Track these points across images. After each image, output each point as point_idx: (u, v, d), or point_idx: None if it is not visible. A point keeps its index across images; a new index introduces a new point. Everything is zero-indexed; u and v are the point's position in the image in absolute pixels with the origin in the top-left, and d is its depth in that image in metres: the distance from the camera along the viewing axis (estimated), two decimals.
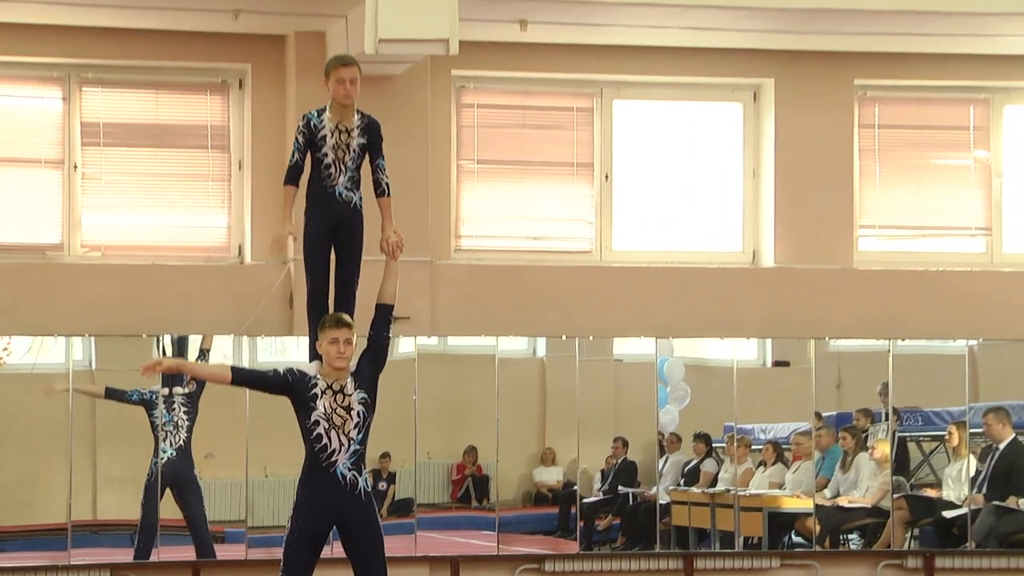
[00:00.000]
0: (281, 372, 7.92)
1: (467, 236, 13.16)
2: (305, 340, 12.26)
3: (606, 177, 13.39)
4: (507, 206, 13.21)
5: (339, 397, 7.89)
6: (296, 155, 8.56)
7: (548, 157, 13.29)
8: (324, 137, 8.52)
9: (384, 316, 8.12)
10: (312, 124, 8.51)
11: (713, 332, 13.14)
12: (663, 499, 13.05)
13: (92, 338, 12.23)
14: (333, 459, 7.87)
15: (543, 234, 13.27)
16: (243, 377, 8.13)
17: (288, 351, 12.47)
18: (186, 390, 12.14)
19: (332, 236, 8.58)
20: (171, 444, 12.13)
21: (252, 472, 12.25)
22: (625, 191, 13.47)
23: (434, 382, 12.70)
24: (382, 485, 12.55)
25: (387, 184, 8.65)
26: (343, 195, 8.54)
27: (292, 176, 8.62)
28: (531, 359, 13.22)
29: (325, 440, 7.88)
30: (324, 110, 8.56)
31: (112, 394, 12.07)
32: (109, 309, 12.19)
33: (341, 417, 7.88)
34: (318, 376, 7.94)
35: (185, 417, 12.09)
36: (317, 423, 7.88)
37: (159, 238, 12.72)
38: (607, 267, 13.27)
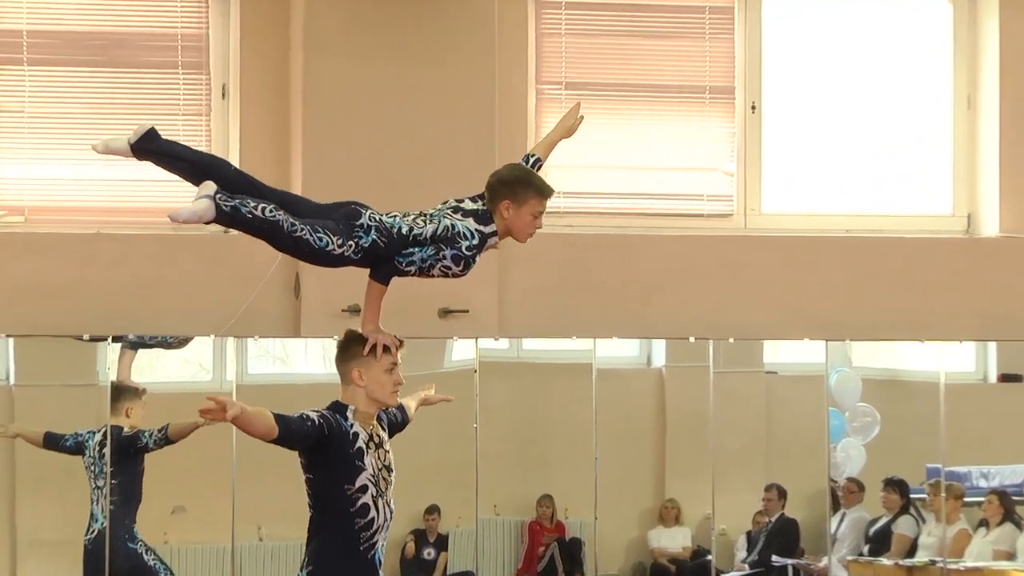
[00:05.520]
0: (316, 420, 7.02)
1: None
2: (317, 344, 11.63)
3: (752, 108, 12.16)
4: (608, 150, 11.87)
5: (380, 452, 7.13)
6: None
7: (666, 81, 12.03)
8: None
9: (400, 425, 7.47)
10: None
11: (909, 332, 11.81)
12: (839, 573, 11.97)
13: (10, 339, 11.17)
14: (374, 540, 7.07)
15: (660, 191, 11.97)
16: (287, 431, 7.06)
17: (292, 360, 11.48)
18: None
19: None
20: (102, 509, 10.83)
21: (241, 533, 11.09)
22: (779, 129, 12.14)
23: (503, 404, 11.81)
24: (429, 552, 11.54)
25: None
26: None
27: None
28: (644, 370, 12.17)
29: (373, 512, 7.04)
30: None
31: (50, 441, 10.91)
32: (36, 298, 11.11)
33: (386, 480, 7.15)
34: (354, 423, 7.10)
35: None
36: (365, 488, 7.07)
37: (108, 196, 11.62)
38: (754, 237, 11.97)
